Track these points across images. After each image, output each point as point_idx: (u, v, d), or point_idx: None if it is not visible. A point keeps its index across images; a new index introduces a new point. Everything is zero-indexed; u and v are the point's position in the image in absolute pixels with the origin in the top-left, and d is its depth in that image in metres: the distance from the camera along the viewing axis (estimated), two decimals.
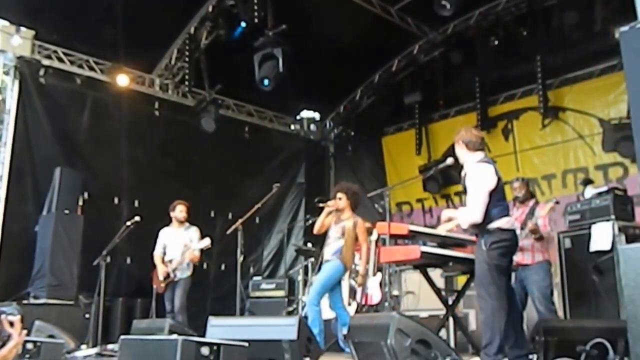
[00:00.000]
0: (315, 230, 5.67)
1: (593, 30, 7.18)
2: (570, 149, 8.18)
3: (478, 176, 3.90)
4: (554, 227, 5.58)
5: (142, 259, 7.28)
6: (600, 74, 7.93)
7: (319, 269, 5.60)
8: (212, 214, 8.74)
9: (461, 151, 4.09)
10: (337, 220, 5.51)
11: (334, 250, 5.38)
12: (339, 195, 5.53)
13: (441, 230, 4.61)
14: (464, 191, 4.01)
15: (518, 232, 4.89)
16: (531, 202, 5.30)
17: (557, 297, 5.74)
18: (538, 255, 5.09)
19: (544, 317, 4.75)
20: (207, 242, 6.43)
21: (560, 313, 5.34)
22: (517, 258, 4.99)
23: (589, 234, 5.29)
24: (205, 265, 8.46)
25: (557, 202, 5.21)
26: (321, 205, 5.65)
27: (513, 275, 5.02)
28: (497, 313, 3.71)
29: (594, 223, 5.30)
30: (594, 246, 5.18)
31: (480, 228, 3.88)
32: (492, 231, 3.83)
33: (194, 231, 6.67)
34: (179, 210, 6.69)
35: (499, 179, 3.95)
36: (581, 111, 8.13)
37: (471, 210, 3.86)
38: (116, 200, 8.17)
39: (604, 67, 7.83)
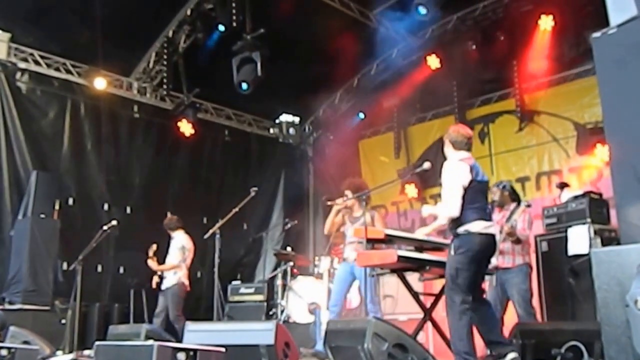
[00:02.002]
0: (327, 231, 5.64)
1: (568, 35, 7.31)
2: (545, 151, 8.31)
3: (451, 172, 3.96)
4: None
5: (134, 265, 7.46)
6: (575, 77, 8.06)
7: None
8: (205, 221, 8.67)
9: (447, 149, 4.14)
10: (353, 219, 5.47)
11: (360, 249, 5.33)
12: (346, 192, 5.49)
13: (419, 233, 4.62)
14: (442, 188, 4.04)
15: (498, 236, 4.96)
16: (512, 206, 5.31)
17: (534, 300, 5.79)
18: (518, 258, 5.12)
19: (521, 320, 4.79)
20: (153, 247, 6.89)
21: (538, 316, 5.39)
22: (497, 261, 5.03)
23: (566, 237, 5.36)
24: (199, 274, 8.44)
25: (528, 206, 5.25)
26: (329, 203, 5.61)
27: (493, 278, 5.05)
28: (463, 319, 3.73)
29: (570, 226, 5.38)
30: (572, 250, 5.24)
31: (451, 231, 3.91)
32: (460, 235, 3.85)
33: (174, 241, 6.92)
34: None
35: (477, 181, 3.95)
36: (556, 114, 8.26)
37: (447, 205, 3.89)
38: (106, 207, 8.13)
39: (578, 71, 7.96)
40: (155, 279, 6.93)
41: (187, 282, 6.85)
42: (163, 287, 6.81)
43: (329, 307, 5.43)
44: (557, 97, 8.25)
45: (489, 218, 4.01)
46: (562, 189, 6.11)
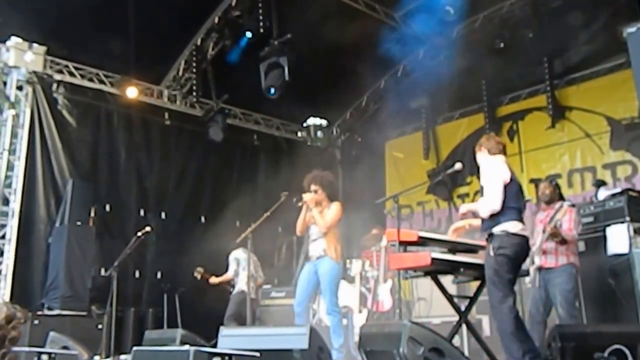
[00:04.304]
0: (299, 231, 5.28)
1: (599, 29, 7.15)
2: (577, 148, 8.14)
3: (492, 168, 3.95)
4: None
5: (170, 269, 7.67)
6: (608, 72, 7.88)
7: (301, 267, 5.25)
8: (238, 224, 8.75)
9: (483, 157, 4.13)
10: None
11: (322, 247, 5.08)
12: (314, 187, 5.15)
13: (453, 227, 4.52)
14: (481, 192, 4.00)
15: (541, 235, 4.85)
16: (557, 205, 5.12)
17: None
18: (562, 258, 4.92)
19: (562, 322, 4.66)
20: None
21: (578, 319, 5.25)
22: (541, 261, 4.92)
23: (604, 237, 5.23)
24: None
25: (572, 205, 5.11)
26: (300, 204, 5.21)
27: (536, 279, 4.93)
28: (511, 319, 3.67)
29: (608, 225, 5.25)
30: (612, 249, 5.11)
31: (486, 231, 3.86)
32: (498, 235, 3.80)
33: (231, 253, 7.34)
34: None
35: (514, 181, 3.92)
36: (588, 110, 8.09)
37: (488, 199, 3.84)
38: (142, 213, 8.31)
39: (611, 65, 7.78)
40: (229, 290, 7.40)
41: (246, 289, 6.92)
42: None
43: (294, 308, 5.11)
44: (589, 92, 8.10)
45: (523, 221, 3.96)
46: (599, 187, 5.96)
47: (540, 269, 4.91)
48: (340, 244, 5.18)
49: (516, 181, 3.97)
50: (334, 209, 5.14)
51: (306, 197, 5.13)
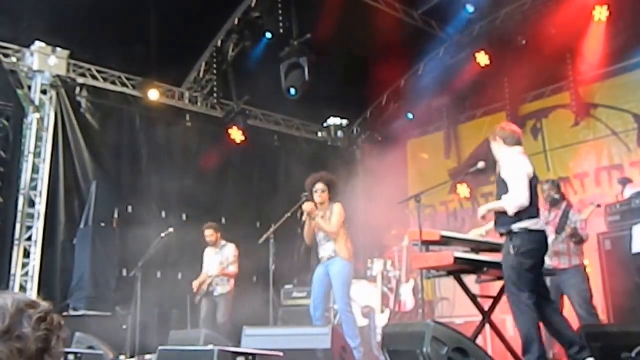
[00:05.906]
0: (309, 242, 5.31)
1: (625, 24, 7.01)
2: (604, 146, 7.99)
3: (514, 163, 3.84)
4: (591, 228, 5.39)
5: (192, 270, 7.62)
6: (634, 68, 7.72)
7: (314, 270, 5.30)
8: (258, 225, 8.78)
9: (498, 147, 4.01)
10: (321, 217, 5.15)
11: (332, 248, 5.12)
12: (321, 187, 5.18)
13: (473, 234, 4.51)
14: (498, 186, 3.92)
15: (552, 236, 4.79)
16: (564, 205, 5.13)
17: (599, 301, 5.57)
18: (575, 259, 4.95)
19: (587, 322, 4.61)
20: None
21: (603, 317, 5.17)
22: (553, 262, 4.87)
23: (630, 235, 5.14)
24: (254, 279, 8.57)
25: (598, 206, 5.04)
26: (304, 218, 5.23)
27: (548, 280, 4.88)
28: (532, 319, 3.62)
29: (635, 224, 5.15)
30: (636, 248, 5.02)
31: (504, 227, 3.79)
32: (519, 233, 3.72)
33: (229, 249, 6.97)
34: (207, 236, 7.09)
35: (534, 176, 3.87)
36: (614, 107, 7.94)
37: (516, 195, 3.68)
38: (164, 214, 8.37)
39: (637, 60, 7.61)
40: (206, 284, 6.95)
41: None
42: (216, 293, 6.88)
43: (311, 313, 5.15)
44: (615, 89, 7.95)
45: (537, 216, 3.89)
46: (625, 185, 5.85)
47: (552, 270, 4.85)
48: (351, 242, 5.22)
49: (535, 176, 3.90)
50: (337, 211, 5.19)
51: (306, 207, 5.18)
